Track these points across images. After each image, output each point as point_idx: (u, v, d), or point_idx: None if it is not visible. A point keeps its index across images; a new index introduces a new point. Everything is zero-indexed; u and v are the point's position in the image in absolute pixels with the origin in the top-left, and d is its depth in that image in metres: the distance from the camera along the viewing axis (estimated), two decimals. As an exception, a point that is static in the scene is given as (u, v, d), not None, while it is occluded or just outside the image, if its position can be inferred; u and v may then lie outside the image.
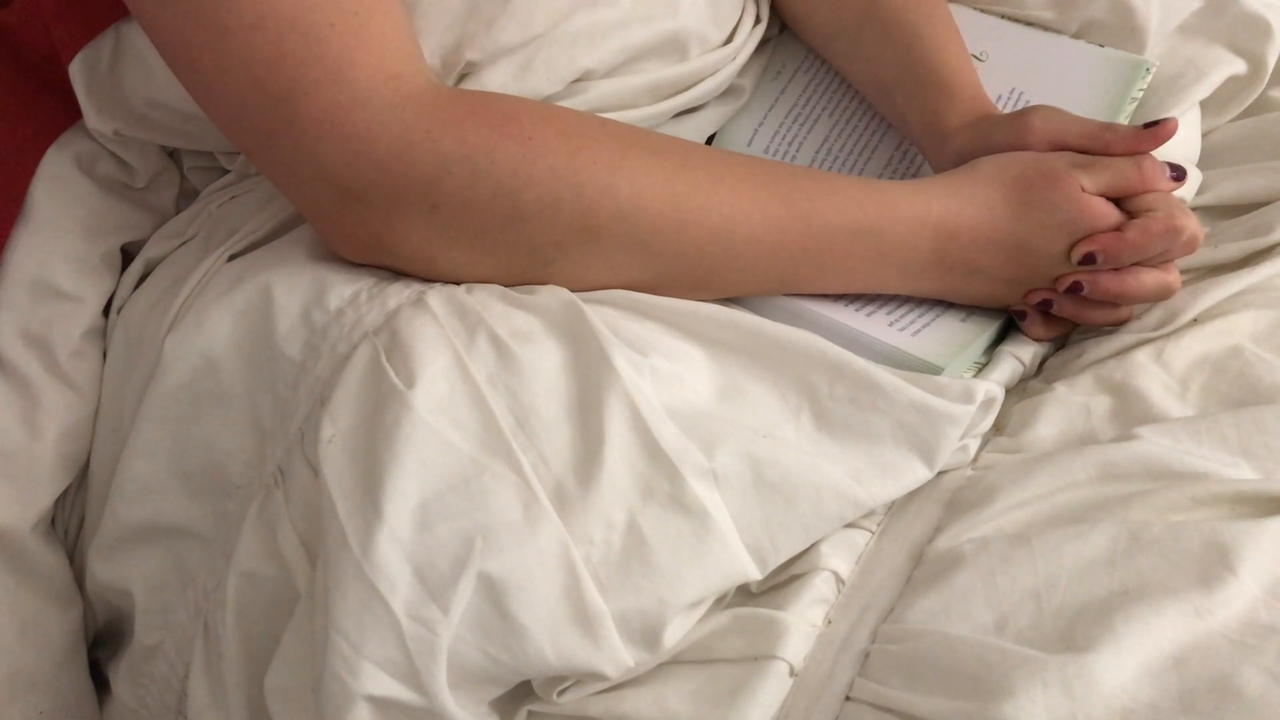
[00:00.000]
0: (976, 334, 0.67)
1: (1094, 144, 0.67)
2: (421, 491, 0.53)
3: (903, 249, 0.65)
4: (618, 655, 0.53)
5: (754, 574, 0.56)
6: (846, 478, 0.57)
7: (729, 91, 0.79)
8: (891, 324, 0.66)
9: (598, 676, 0.54)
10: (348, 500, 0.53)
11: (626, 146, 0.61)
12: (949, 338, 0.66)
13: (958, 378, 0.63)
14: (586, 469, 0.54)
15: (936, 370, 0.63)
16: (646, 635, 0.54)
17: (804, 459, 0.57)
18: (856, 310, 0.67)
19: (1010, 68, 0.78)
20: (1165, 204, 0.65)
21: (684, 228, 0.61)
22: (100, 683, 0.71)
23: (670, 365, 0.58)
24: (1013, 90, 0.77)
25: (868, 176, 0.78)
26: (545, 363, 0.56)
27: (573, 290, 0.61)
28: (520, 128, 0.59)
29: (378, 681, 0.51)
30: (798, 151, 0.80)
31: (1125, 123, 0.75)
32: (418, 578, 0.52)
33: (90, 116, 0.69)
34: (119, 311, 0.70)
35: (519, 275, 0.61)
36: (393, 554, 0.52)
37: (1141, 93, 0.76)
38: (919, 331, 0.66)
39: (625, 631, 0.53)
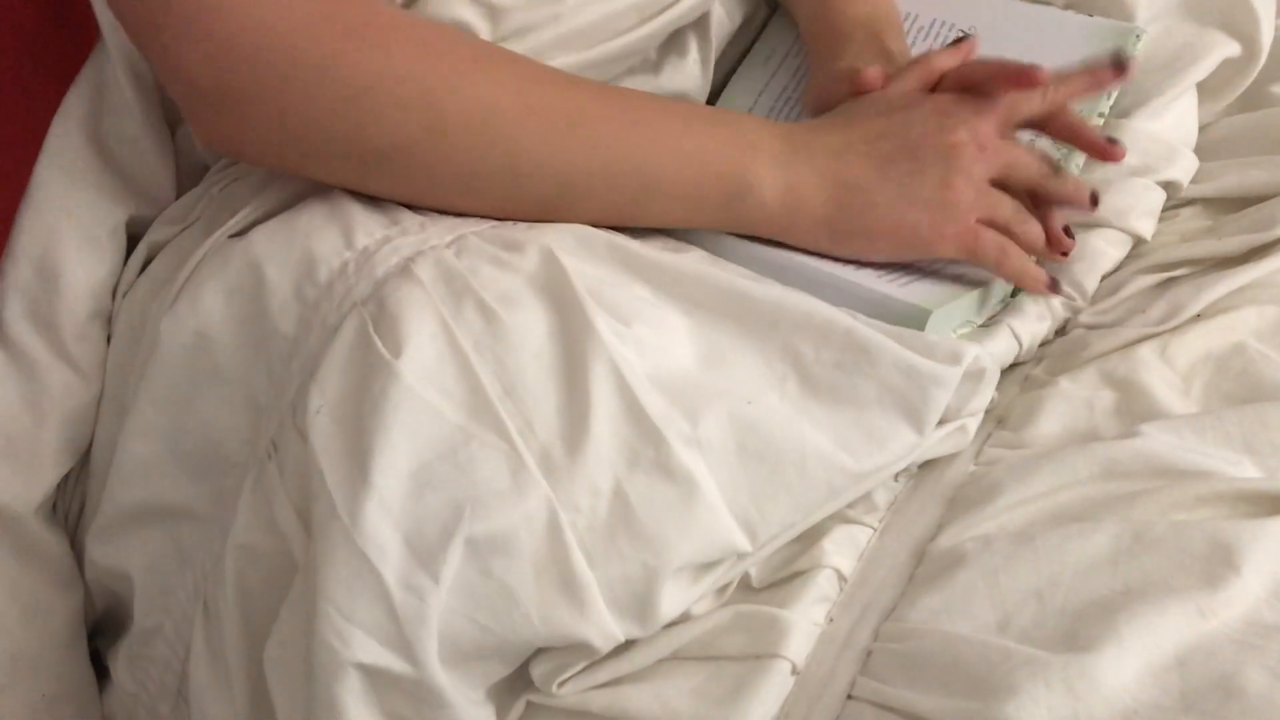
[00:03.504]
0: (966, 290, 0.66)
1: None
2: (410, 460, 0.53)
3: (759, 132, 0.66)
4: (604, 625, 0.53)
5: (743, 544, 0.56)
6: (833, 445, 0.57)
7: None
8: (879, 275, 0.66)
9: (586, 648, 0.54)
10: (336, 470, 0.53)
11: (479, 54, 0.63)
12: (938, 289, 0.66)
13: (947, 333, 0.63)
14: (573, 436, 0.54)
15: (925, 313, 0.63)
16: (634, 605, 0.54)
17: (789, 426, 0.56)
18: (845, 264, 0.67)
19: (999, 41, 0.78)
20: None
21: (534, 121, 0.62)
22: (99, 672, 0.71)
23: (653, 334, 0.58)
24: None
25: None
26: (532, 329, 0.56)
27: (441, 210, 0.63)
28: (372, 31, 0.60)
29: (368, 649, 0.52)
30: None
31: (1114, 93, 0.75)
32: (407, 546, 0.52)
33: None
34: (123, 297, 0.69)
35: (369, 183, 0.63)
36: (382, 522, 0.52)
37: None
38: (908, 284, 0.66)
39: (612, 601, 0.54)
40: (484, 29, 0.68)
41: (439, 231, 0.61)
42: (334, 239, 0.61)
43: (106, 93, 0.71)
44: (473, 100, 0.61)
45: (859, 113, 0.67)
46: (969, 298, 0.66)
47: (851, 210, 0.65)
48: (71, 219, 0.69)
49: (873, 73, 0.70)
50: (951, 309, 0.65)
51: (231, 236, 0.65)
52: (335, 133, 0.61)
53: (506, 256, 0.59)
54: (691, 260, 0.62)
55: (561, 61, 0.71)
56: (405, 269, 0.58)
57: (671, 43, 0.78)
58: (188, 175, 0.74)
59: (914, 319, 0.63)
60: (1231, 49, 0.79)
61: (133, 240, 0.72)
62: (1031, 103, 0.67)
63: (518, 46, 0.70)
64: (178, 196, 0.73)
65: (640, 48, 0.74)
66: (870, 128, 0.66)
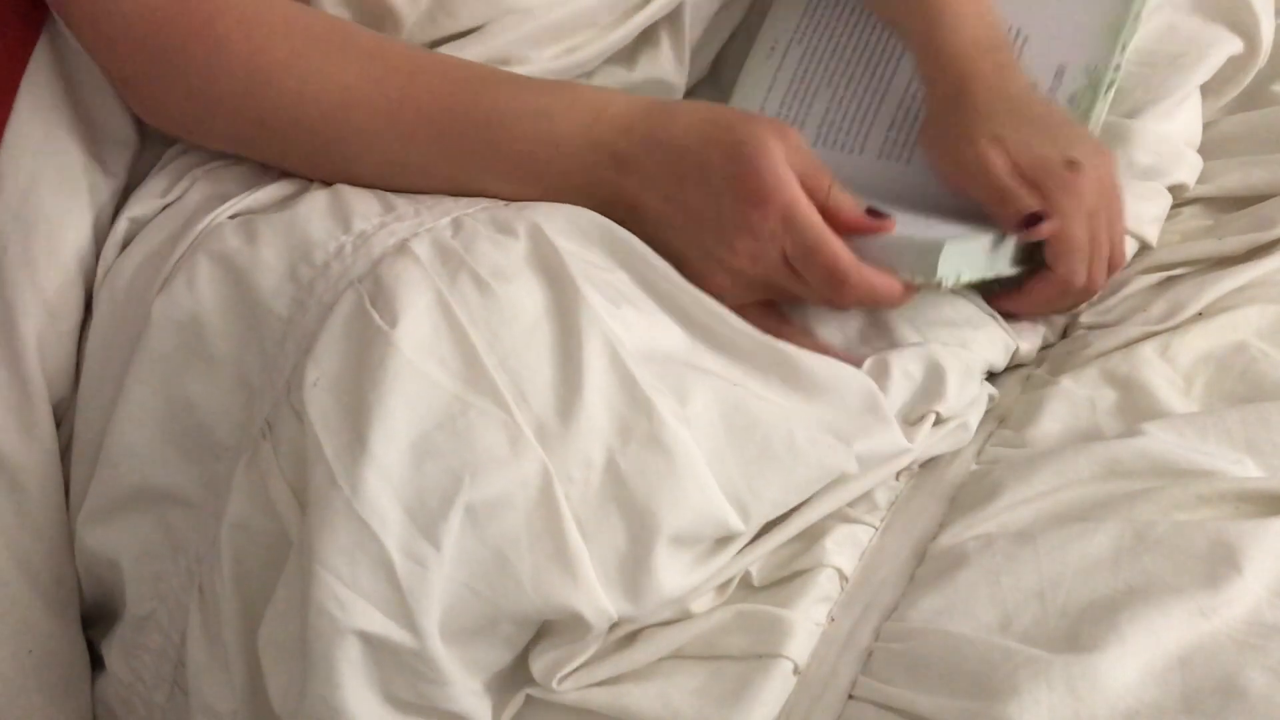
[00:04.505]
0: (972, 234, 0.65)
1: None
2: (409, 429, 0.53)
3: (569, 133, 0.64)
4: (596, 598, 0.53)
5: (736, 523, 0.56)
6: (820, 425, 0.57)
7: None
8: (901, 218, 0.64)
9: (580, 623, 0.54)
10: (335, 439, 0.53)
11: (309, 46, 0.66)
12: (955, 230, 0.65)
13: (956, 275, 0.62)
14: (566, 408, 0.54)
15: (938, 246, 0.61)
16: (626, 579, 0.54)
17: (775, 406, 0.57)
18: None
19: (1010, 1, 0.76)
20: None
21: (346, 116, 0.65)
22: (95, 663, 0.71)
23: (639, 316, 0.58)
24: (1011, 28, 0.75)
25: (874, 139, 0.77)
26: (526, 302, 0.56)
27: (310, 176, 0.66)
28: (212, 28, 0.65)
29: (369, 616, 0.52)
30: (802, 129, 0.79)
31: (1129, 43, 0.73)
32: (408, 514, 0.52)
33: None
34: (104, 276, 0.69)
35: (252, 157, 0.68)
36: (383, 491, 0.52)
37: (1143, 8, 0.73)
38: (929, 227, 0.65)
39: (604, 574, 0.54)
40: (409, 13, 0.70)
41: (433, 215, 0.62)
42: (330, 224, 0.61)
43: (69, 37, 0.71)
44: (291, 95, 0.65)
45: (708, 172, 0.62)
46: (979, 241, 0.64)
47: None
48: (49, 164, 0.69)
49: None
50: (963, 246, 0.63)
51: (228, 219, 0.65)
52: (194, 120, 0.68)
53: (500, 236, 0.60)
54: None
55: (537, 62, 0.72)
56: (403, 247, 0.58)
57: (644, 34, 0.78)
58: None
59: (930, 251, 0.61)
60: (1234, 46, 0.79)
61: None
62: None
63: (487, 41, 0.71)
64: (142, 143, 0.73)
65: (617, 45, 0.75)
66: (689, 188, 0.63)
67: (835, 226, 0.62)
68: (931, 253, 0.61)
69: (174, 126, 0.69)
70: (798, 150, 0.62)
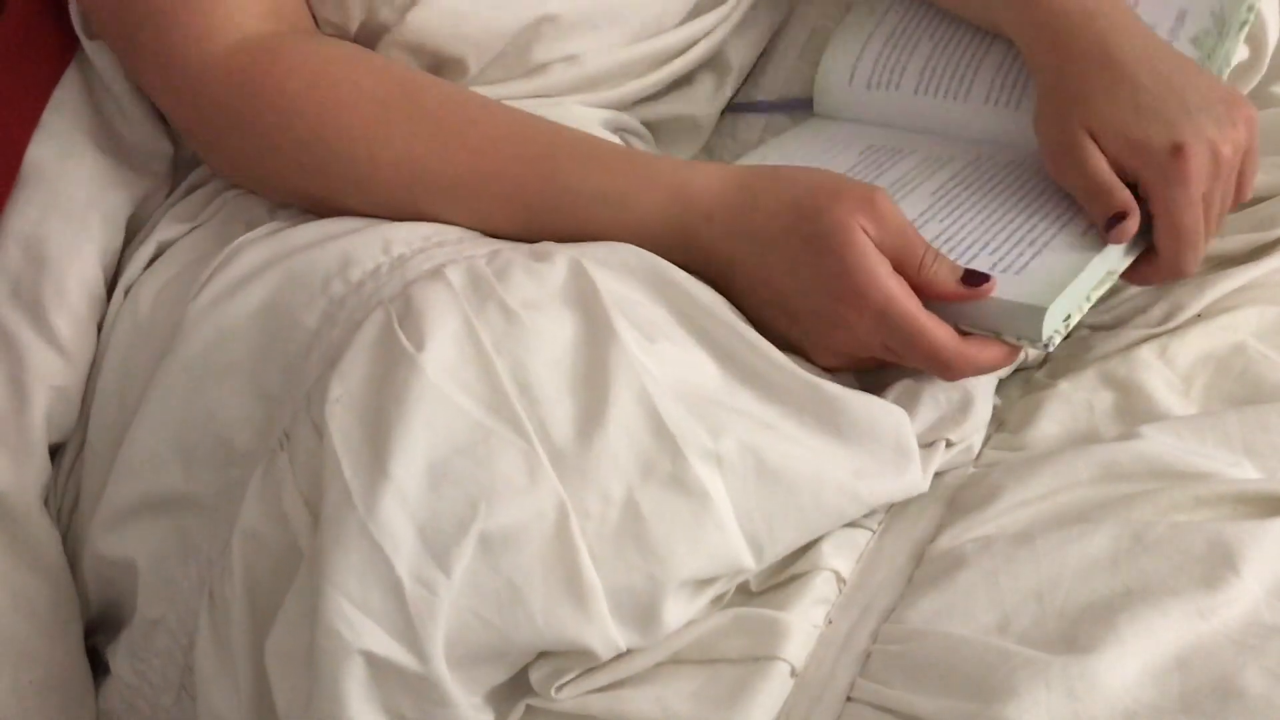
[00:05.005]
0: (1081, 265, 0.60)
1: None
2: (428, 454, 0.53)
3: (645, 217, 0.63)
4: (607, 632, 0.53)
5: (749, 564, 0.56)
6: (848, 474, 0.57)
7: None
8: (995, 264, 0.61)
9: (587, 654, 0.54)
10: (354, 458, 0.53)
11: (382, 112, 0.66)
12: (1057, 268, 0.61)
13: (1060, 324, 0.60)
14: (586, 440, 0.54)
15: (1040, 311, 0.58)
16: (638, 615, 0.54)
17: (807, 452, 0.57)
18: (960, 254, 0.62)
19: None
20: None
21: (415, 188, 0.65)
22: (98, 668, 0.71)
23: (677, 351, 0.58)
24: None
25: (980, 84, 0.74)
26: (553, 332, 0.56)
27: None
28: (280, 97, 0.65)
29: (376, 638, 0.52)
30: (902, 76, 0.77)
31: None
32: (421, 539, 0.52)
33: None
34: (126, 291, 0.70)
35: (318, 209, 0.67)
36: (398, 514, 0.52)
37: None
38: (1024, 267, 0.61)
39: (616, 609, 0.54)
40: (474, 65, 0.72)
41: (476, 245, 0.62)
42: (372, 246, 0.61)
43: (99, 69, 0.72)
44: (362, 165, 0.65)
45: (796, 266, 0.61)
46: (1087, 271, 0.61)
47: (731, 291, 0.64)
48: (62, 200, 0.69)
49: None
50: (1070, 292, 0.60)
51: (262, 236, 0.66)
52: (264, 177, 0.68)
53: (537, 266, 0.60)
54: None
55: (577, 98, 0.74)
56: (437, 272, 0.58)
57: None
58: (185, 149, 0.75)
59: (1030, 317, 0.59)
60: (1242, 54, 0.79)
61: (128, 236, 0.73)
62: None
63: (533, 82, 0.73)
64: (175, 171, 0.74)
65: (651, 89, 0.77)
66: (778, 279, 0.62)
67: (932, 297, 0.60)
68: (1034, 316, 0.59)
69: (248, 182, 0.70)
70: (888, 223, 0.60)
